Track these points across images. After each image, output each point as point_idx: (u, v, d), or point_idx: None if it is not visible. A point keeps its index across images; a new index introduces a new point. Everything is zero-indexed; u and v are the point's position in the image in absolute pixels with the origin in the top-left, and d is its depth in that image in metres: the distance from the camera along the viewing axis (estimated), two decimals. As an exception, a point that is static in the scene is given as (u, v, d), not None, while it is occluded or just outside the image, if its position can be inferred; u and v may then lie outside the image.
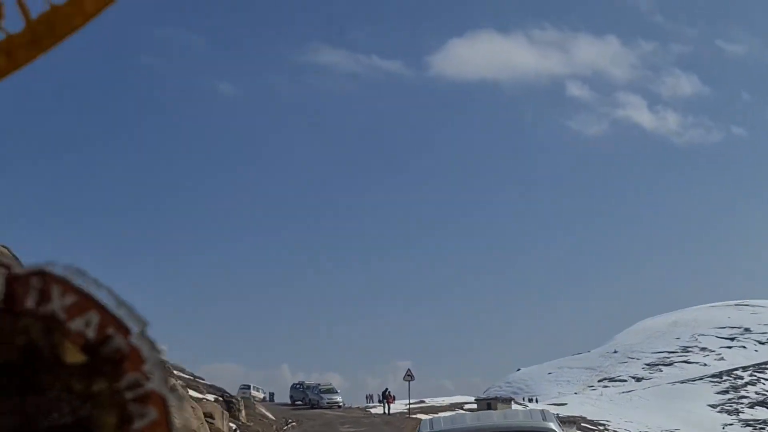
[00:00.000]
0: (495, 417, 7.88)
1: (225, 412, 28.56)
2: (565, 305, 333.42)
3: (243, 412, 32.16)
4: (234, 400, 32.13)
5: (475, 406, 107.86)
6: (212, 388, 37.10)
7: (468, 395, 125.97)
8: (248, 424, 32.09)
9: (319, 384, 58.29)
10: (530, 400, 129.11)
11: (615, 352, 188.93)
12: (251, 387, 72.52)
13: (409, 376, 43.30)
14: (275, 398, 72.61)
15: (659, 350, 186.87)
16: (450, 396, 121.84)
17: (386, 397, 50.65)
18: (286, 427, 37.77)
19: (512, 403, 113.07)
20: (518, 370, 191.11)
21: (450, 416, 8.68)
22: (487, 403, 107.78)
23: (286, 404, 61.69)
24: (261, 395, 72.38)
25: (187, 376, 41.98)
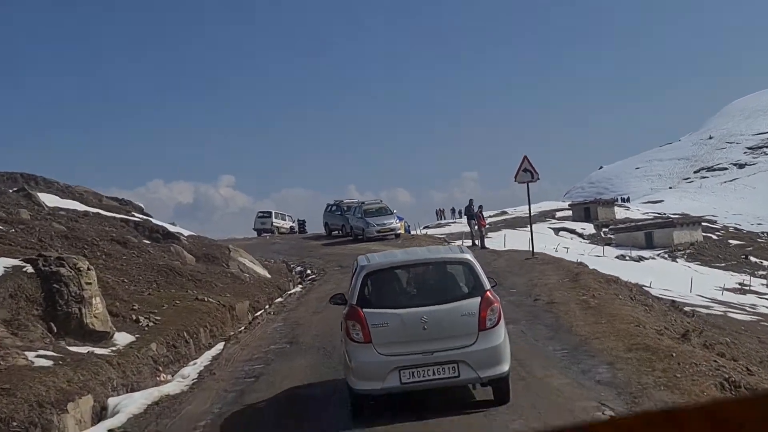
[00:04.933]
0: (420, 252, 9.22)
1: None
2: (645, 91, 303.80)
3: (93, 303, 10.20)
4: (65, 269, 10.12)
5: (570, 212, 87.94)
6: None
7: (549, 201, 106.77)
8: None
9: (362, 203, 35.65)
10: (623, 200, 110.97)
11: (710, 138, 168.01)
12: (272, 214, 51.73)
13: (528, 172, 20.56)
14: (307, 228, 52.08)
15: (761, 131, 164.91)
16: (534, 203, 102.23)
17: (477, 217, 27.69)
18: (263, 313, 16.30)
19: (614, 205, 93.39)
20: (600, 168, 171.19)
21: (383, 253, 9.21)
22: (584, 208, 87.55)
23: (320, 237, 40.39)
24: (287, 224, 51.72)
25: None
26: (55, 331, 10.51)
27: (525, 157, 20.43)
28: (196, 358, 11.86)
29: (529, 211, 24.07)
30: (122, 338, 11.45)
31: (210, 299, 15.73)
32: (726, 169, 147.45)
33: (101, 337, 10.91)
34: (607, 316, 11.25)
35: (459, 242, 28.76)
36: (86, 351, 9.82)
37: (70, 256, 11.53)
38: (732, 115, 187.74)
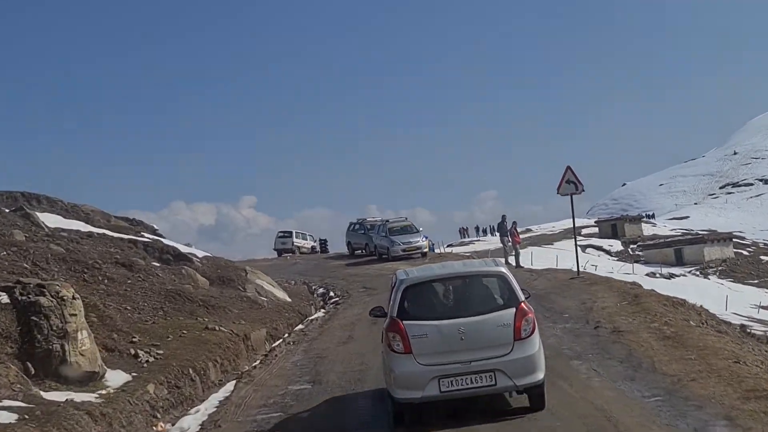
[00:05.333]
0: (456, 266, 9.18)
1: None
2: (668, 107, 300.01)
3: (80, 340, 8.40)
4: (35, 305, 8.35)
5: (596, 229, 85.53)
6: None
7: (570, 219, 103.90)
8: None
9: (387, 221, 33.91)
10: (648, 217, 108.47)
11: (735, 153, 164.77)
12: (293, 234, 50.02)
13: (571, 183, 18.69)
14: (329, 248, 50.35)
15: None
16: (556, 221, 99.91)
17: (511, 234, 25.59)
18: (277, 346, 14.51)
19: (641, 222, 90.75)
20: (623, 185, 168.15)
21: (420, 267, 9.51)
22: (611, 225, 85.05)
23: (343, 257, 38.57)
24: (309, 244, 50.08)
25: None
26: (33, 372, 8.78)
27: (568, 168, 18.52)
28: (203, 401, 10.04)
29: (573, 225, 22.12)
30: (115, 378, 9.69)
31: (222, 328, 13.94)
32: (752, 184, 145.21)
33: (89, 378, 9.15)
34: (693, 349, 9.30)
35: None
36: (65, 399, 8.05)
37: (52, 282, 9.77)
38: (757, 131, 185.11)
